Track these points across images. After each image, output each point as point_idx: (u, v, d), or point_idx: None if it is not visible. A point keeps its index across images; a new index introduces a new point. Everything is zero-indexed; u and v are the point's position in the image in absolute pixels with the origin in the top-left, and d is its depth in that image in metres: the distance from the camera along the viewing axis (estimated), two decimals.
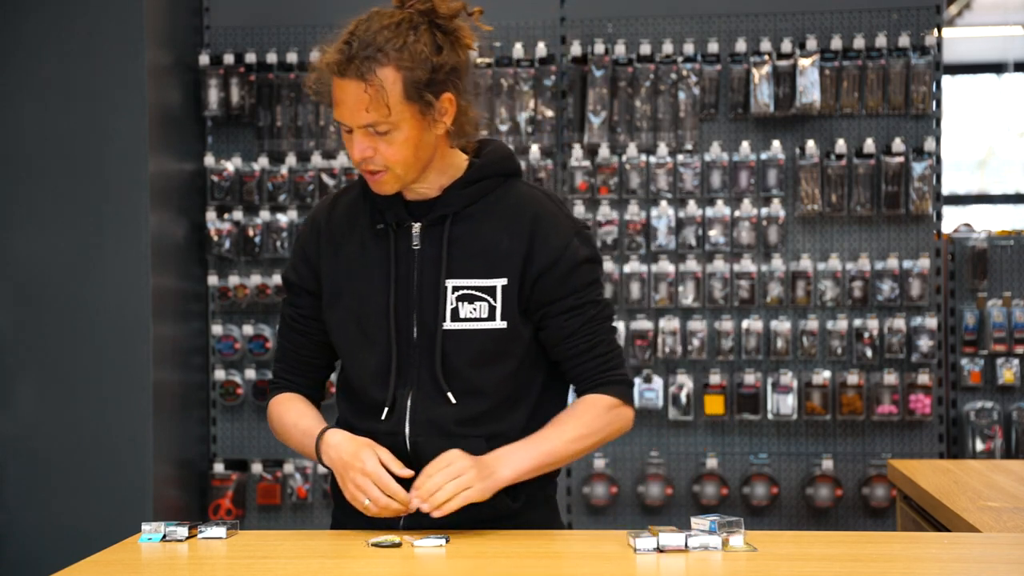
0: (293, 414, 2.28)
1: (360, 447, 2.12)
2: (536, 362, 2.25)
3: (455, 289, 2.16)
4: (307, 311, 2.28)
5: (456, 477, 2.07)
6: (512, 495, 2.20)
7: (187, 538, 2.09)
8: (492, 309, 2.17)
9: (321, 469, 4.82)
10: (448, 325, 2.16)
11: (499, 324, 2.16)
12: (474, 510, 2.14)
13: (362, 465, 2.09)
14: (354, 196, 2.26)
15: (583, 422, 2.20)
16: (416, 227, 2.19)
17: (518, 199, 2.22)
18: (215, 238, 4.84)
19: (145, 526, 2.10)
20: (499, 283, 2.17)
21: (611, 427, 2.23)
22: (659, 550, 1.96)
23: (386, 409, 2.18)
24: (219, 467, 4.85)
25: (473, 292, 2.17)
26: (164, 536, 2.09)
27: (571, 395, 2.32)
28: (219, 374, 4.86)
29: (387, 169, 2.13)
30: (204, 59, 4.86)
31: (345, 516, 2.25)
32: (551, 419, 2.25)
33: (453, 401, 2.16)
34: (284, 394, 2.33)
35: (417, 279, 2.18)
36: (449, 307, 2.16)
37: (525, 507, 2.23)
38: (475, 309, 2.16)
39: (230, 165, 4.86)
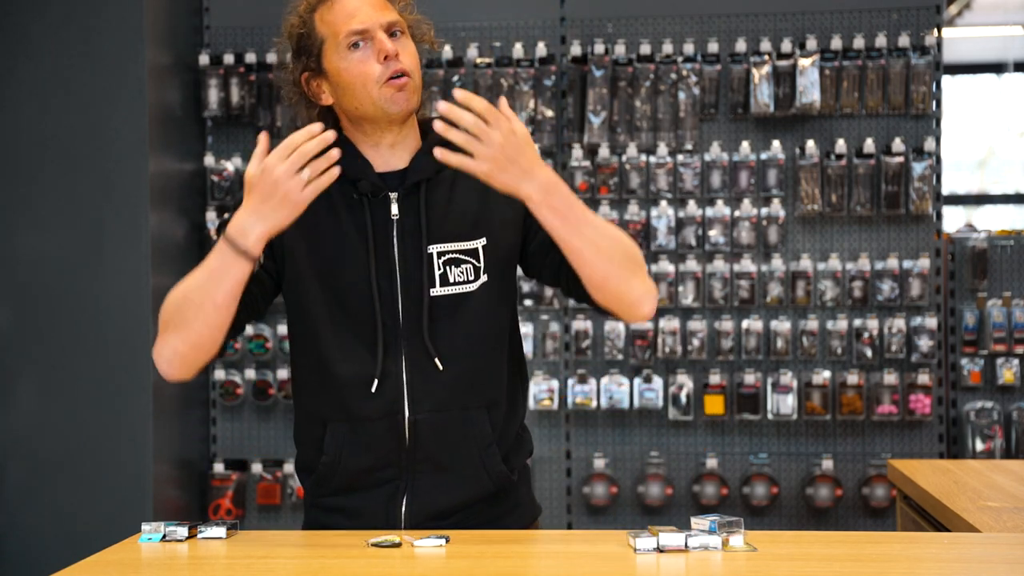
0: (189, 276, 2.12)
1: (248, 180, 2.02)
2: (509, 340, 2.24)
3: (440, 255, 2.15)
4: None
5: (504, 135, 1.97)
6: (510, 468, 2.21)
7: (187, 538, 2.09)
8: (476, 270, 2.17)
9: None
10: (436, 291, 2.15)
11: (484, 279, 2.17)
12: (477, 488, 2.17)
13: (265, 167, 2.00)
14: None
15: (613, 226, 2.11)
16: (394, 196, 2.18)
17: None
18: (215, 238, 4.83)
19: (145, 526, 2.10)
20: (479, 244, 2.18)
21: (636, 256, 2.10)
22: (659, 550, 1.96)
23: (376, 382, 2.13)
24: (219, 467, 4.85)
25: (458, 255, 2.17)
26: (164, 536, 2.09)
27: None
28: (219, 374, 4.86)
29: (410, 74, 2.14)
30: (204, 59, 4.86)
31: (322, 513, 2.24)
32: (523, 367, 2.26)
33: (441, 368, 2.14)
34: None
35: (398, 247, 2.16)
36: (437, 273, 2.15)
37: (516, 481, 2.24)
38: (462, 273, 2.16)
39: (230, 165, 4.86)
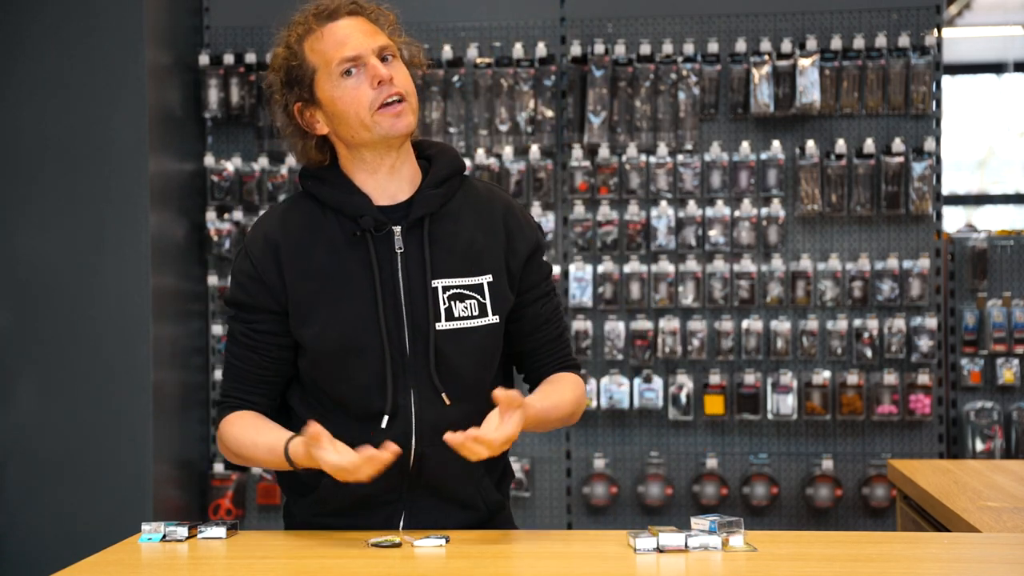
0: (250, 431, 2.18)
1: (312, 452, 2.04)
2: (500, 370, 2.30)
3: (445, 289, 2.16)
4: (263, 326, 2.18)
5: (499, 443, 2.04)
6: (501, 490, 2.26)
7: (187, 538, 2.09)
8: (482, 306, 2.18)
9: None
10: (441, 325, 2.15)
11: (492, 319, 2.19)
12: (473, 515, 2.21)
13: (344, 469, 2.01)
14: (307, 209, 2.20)
15: (575, 396, 2.27)
16: (398, 230, 2.17)
17: (483, 195, 2.26)
18: (215, 238, 4.84)
19: (145, 526, 2.10)
20: (484, 280, 2.19)
21: (580, 408, 2.30)
22: (659, 550, 1.96)
23: (387, 418, 2.14)
24: (219, 467, 4.85)
25: (462, 291, 2.18)
26: (164, 536, 2.09)
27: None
28: (219, 374, 4.86)
29: (405, 97, 2.14)
30: (204, 59, 4.86)
31: (297, 507, 2.27)
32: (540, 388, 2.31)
33: (447, 402, 2.15)
34: (235, 413, 2.21)
35: (404, 282, 2.16)
36: (443, 307, 2.16)
37: (506, 507, 2.31)
38: (467, 308, 2.17)
39: (230, 165, 4.86)
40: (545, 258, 2.30)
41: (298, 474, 2.22)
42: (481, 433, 2.01)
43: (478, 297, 2.18)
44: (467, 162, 4.69)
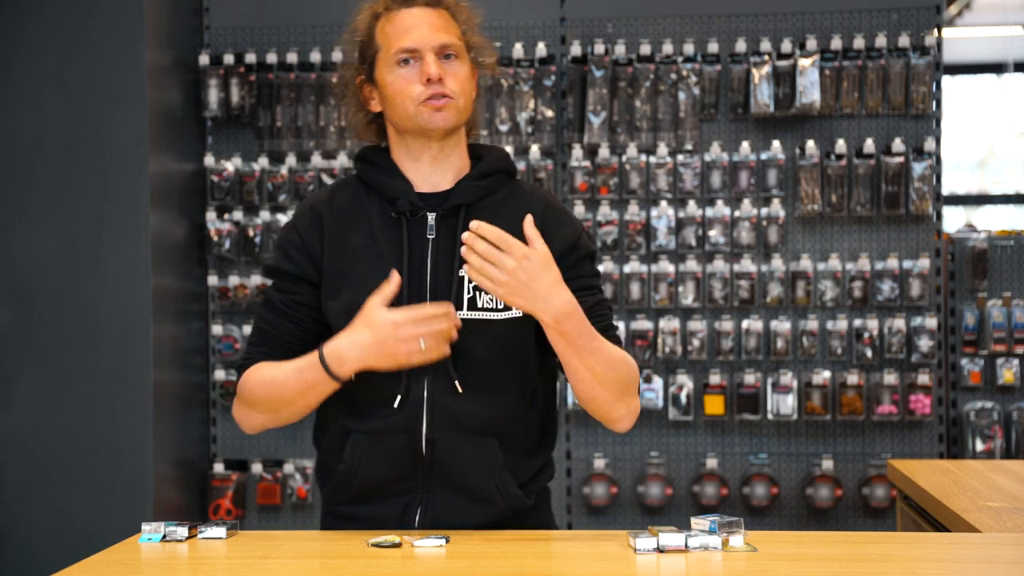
0: (273, 366, 2.18)
1: (369, 315, 2.07)
2: (538, 371, 2.26)
3: (471, 279, 2.16)
4: (301, 298, 2.22)
5: (517, 261, 2.01)
6: (526, 494, 2.21)
7: (187, 538, 2.09)
8: None
9: None
10: (465, 314, 2.16)
11: (515, 312, 2.17)
12: (491, 509, 2.17)
13: (392, 323, 2.04)
14: (354, 189, 2.27)
15: (622, 354, 2.17)
16: (431, 216, 2.20)
17: (526, 194, 2.27)
18: (215, 238, 4.84)
19: (145, 526, 2.10)
20: None
21: (629, 393, 2.19)
22: (659, 550, 1.96)
23: (399, 398, 2.15)
24: (219, 467, 4.85)
25: None
26: (164, 536, 2.09)
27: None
28: (219, 374, 4.86)
29: (452, 97, 2.17)
30: (204, 59, 4.86)
31: (339, 520, 2.25)
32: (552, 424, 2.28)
33: (460, 390, 2.15)
34: (260, 363, 2.22)
35: (431, 268, 2.18)
36: (466, 296, 2.16)
37: (534, 505, 2.24)
38: (492, 299, 2.17)
39: (230, 165, 4.86)
40: (589, 260, 2.26)
41: (318, 460, 2.28)
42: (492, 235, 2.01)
43: None
44: None
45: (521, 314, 2.16)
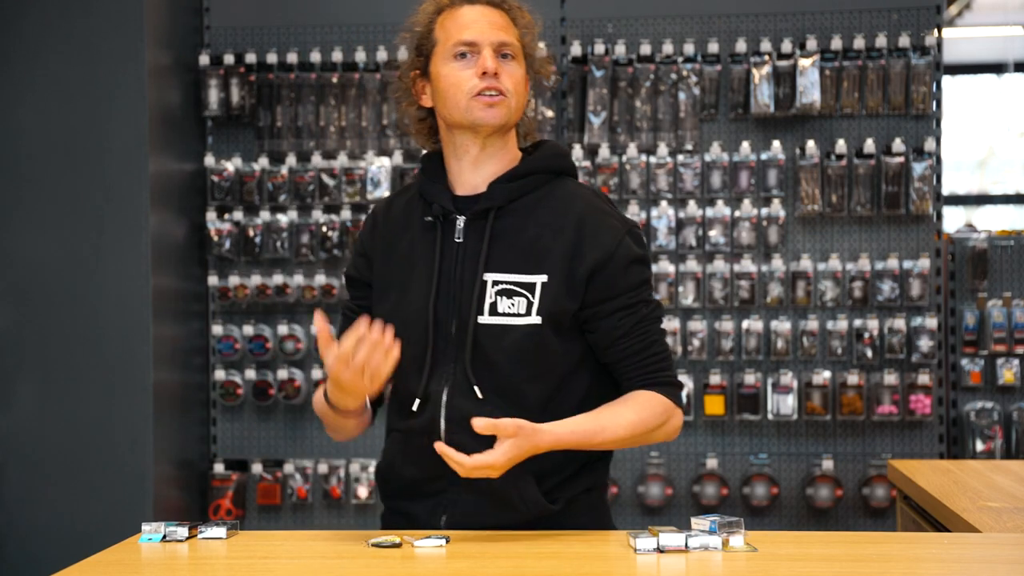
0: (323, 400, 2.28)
1: (327, 369, 2.09)
2: (576, 376, 2.22)
3: (494, 283, 2.17)
4: (366, 303, 2.30)
5: (505, 455, 2.05)
6: (550, 498, 2.20)
7: (187, 538, 2.09)
8: (529, 305, 2.16)
9: (322, 469, 4.83)
10: (484, 319, 2.16)
11: (534, 319, 2.15)
12: (514, 514, 2.18)
13: (331, 370, 2.07)
14: (411, 195, 2.31)
15: (639, 416, 2.18)
16: (460, 220, 2.21)
17: (564, 197, 2.23)
18: (215, 238, 4.84)
19: (145, 526, 2.10)
20: (539, 279, 2.17)
21: (661, 429, 2.22)
22: (659, 550, 1.96)
23: (417, 401, 2.19)
24: (219, 467, 4.85)
25: (512, 287, 2.17)
26: (164, 536, 2.09)
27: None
28: (219, 374, 4.86)
29: (505, 96, 2.18)
30: (204, 59, 4.86)
31: (390, 515, 2.31)
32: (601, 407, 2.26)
33: (480, 396, 2.16)
34: None
35: (459, 272, 2.19)
36: (488, 301, 2.16)
37: (566, 510, 2.22)
38: (513, 304, 2.16)
39: (230, 165, 4.86)
40: (636, 266, 2.21)
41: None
42: (469, 459, 2.05)
43: (528, 295, 2.16)
44: None
45: (541, 320, 2.15)
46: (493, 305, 2.16)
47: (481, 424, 2.03)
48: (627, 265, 2.19)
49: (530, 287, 2.17)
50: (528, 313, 2.16)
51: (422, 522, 2.22)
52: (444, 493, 2.21)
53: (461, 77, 2.18)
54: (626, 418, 2.17)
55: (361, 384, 2.05)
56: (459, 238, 2.21)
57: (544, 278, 2.16)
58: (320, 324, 2.05)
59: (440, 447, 2.06)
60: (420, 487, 2.23)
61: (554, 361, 2.19)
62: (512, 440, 2.05)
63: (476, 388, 2.16)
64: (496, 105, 2.18)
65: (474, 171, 2.24)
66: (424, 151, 2.35)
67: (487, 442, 2.12)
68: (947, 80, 10.67)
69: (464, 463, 2.04)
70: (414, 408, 2.20)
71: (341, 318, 2.35)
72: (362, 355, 2.02)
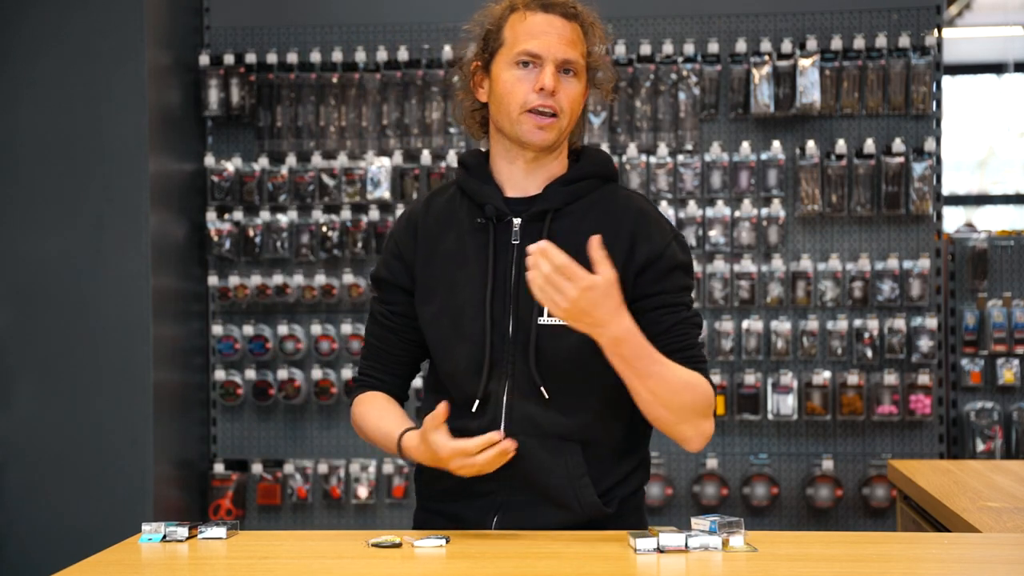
0: (375, 414, 2.27)
1: (430, 443, 2.09)
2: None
3: None
4: (398, 308, 2.28)
5: (579, 291, 1.98)
6: (604, 499, 2.20)
7: (187, 538, 2.09)
8: None
9: (322, 469, 4.83)
10: (544, 320, 2.15)
11: None
12: (568, 515, 2.17)
13: (441, 455, 2.07)
14: (451, 194, 2.28)
15: (691, 384, 2.14)
16: (517, 222, 2.20)
17: (619, 200, 2.24)
18: (215, 238, 4.84)
19: (145, 526, 2.10)
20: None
21: (698, 417, 2.16)
22: (659, 550, 1.96)
23: (477, 402, 2.17)
24: (219, 467, 4.85)
25: None
26: (164, 536, 2.09)
27: None
28: (219, 374, 4.86)
29: (559, 115, 2.16)
30: (204, 59, 4.86)
31: (428, 515, 2.29)
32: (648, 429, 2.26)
33: (547, 396, 2.15)
34: (368, 392, 2.32)
35: (515, 274, 2.18)
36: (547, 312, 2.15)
37: (617, 513, 2.22)
38: None
39: (230, 165, 4.86)
40: (681, 272, 2.20)
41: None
42: (557, 259, 1.97)
43: None
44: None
45: None
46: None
47: (598, 254, 1.98)
48: (673, 267, 2.20)
49: None
50: None
51: (471, 523, 2.21)
52: (495, 494, 2.20)
53: (518, 87, 2.16)
54: (681, 375, 2.13)
55: (461, 472, 2.08)
56: (515, 240, 2.19)
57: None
58: (441, 411, 2.07)
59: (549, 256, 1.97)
60: (470, 488, 2.20)
61: (605, 364, 2.15)
62: (606, 288, 1.99)
63: (543, 389, 2.15)
64: (546, 128, 2.16)
65: (526, 175, 2.22)
66: (463, 150, 2.35)
67: (551, 444, 2.13)
68: (947, 80, 10.67)
69: (555, 259, 1.97)
70: (473, 409, 2.17)
71: (371, 323, 2.33)
72: (483, 460, 2.06)
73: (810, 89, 4.68)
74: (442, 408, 2.07)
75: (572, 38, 2.20)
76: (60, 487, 4.47)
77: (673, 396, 2.11)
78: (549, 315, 2.15)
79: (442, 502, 2.26)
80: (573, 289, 1.98)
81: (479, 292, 2.18)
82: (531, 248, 2.00)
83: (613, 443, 2.22)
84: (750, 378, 4.71)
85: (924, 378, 4.67)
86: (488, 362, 2.17)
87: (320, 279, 4.81)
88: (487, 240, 2.20)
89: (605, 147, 4.75)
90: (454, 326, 2.18)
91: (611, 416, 2.20)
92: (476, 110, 2.29)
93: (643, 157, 4.76)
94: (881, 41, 4.71)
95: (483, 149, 2.32)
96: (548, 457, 2.16)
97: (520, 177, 2.23)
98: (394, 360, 2.31)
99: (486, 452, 2.05)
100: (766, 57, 4.72)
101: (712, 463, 4.74)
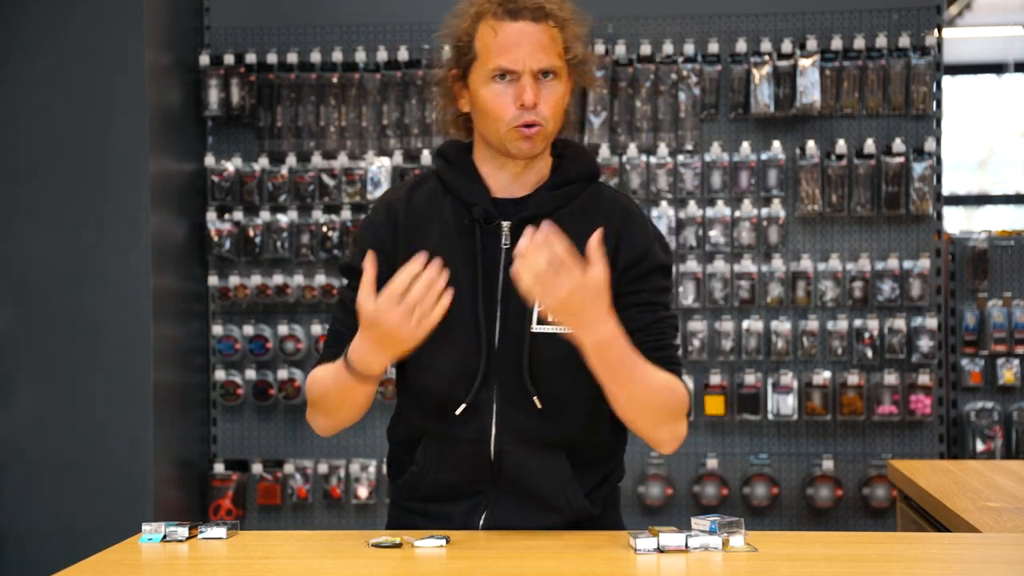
0: (322, 372, 2.16)
1: (362, 309, 1.99)
2: None
3: None
4: None
5: (571, 287, 1.93)
6: (592, 501, 2.20)
7: (187, 538, 2.09)
8: None
9: (322, 469, 4.82)
10: (536, 328, 2.13)
11: None
12: (557, 517, 2.17)
13: (377, 312, 1.97)
14: (431, 188, 2.22)
15: (667, 385, 2.10)
16: (506, 226, 2.17)
17: (604, 200, 2.22)
18: (215, 238, 4.84)
19: (145, 526, 2.10)
20: None
21: (672, 419, 2.11)
22: (659, 550, 1.96)
23: (463, 406, 2.13)
24: (219, 467, 4.85)
25: None
26: (164, 536, 2.09)
27: None
28: (219, 374, 4.86)
29: (543, 124, 2.12)
30: (204, 59, 4.86)
31: (406, 515, 2.25)
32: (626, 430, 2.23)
33: (539, 406, 2.13)
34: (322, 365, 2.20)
35: (503, 278, 2.14)
36: (538, 308, 2.12)
37: (602, 512, 2.24)
38: None
39: (230, 165, 4.86)
40: (659, 273, 2.18)
41: (391, 452, 2.28)
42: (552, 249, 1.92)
43: None
44: None
45: None
46: (543, 313, 2.10)
47: (597, 252, 1.94)
48: (654, 268, 2.18)
49: None
50: None
51: (457, 522, 2.18)
52: (483, 493, 2.19)
53: (499, 103, 2.11)
54: (660, 377, 2.09)
55: (406, 329, 1.96)
56: (506, 244, 2.16)
57: None
58: (369, 268, 1.98)
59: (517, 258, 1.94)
60: (455, 491, 2.20)
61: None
62: (597, 288, 1.95)
63: (536, 399, 2.13)
64: (533, 138, 2.12)
65: (515, 180, 2.20)
66: (445, 142, 2.28)
67: (542, 455, 2.13)
68: (947, 80, 10.66)
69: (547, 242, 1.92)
70: (457, 413, 2.14)
71: (338, 309, 2.23)
72: (417, 292, 1.94)
73: (810, 89, 4.68)
74: (369, 263, 1.99)
75: (545, 42, 2.12)
76: (60, 487, 4.47)
77: (651, 399, 2.08)
78: (541, 323, 2.12)
79: (423, 503, 2.23)
80: (566, 287, 1.94)
81: (468, 296, 2.14)
82: (535, 234, 1.93)
83: (598, 445, 2.22)
84: (750, 378, 4.71)
85: (924, 378, 4.66)
86: (482, 370, 2.13)
87: (320, 279, 4.81)
88: (474, 242, 2.16)
89: (605, 147, 4.75)
90: (442, 331, 2.08)
91: (597, 420, 2.19)
92: (459, 116, 2.24)
93: (643, 157, 4.76)
94: (881, 41, 4.71)
95: (463, 140, 2.26)
96: (538, 463, 2.15)
97: (508, 180, 2.20)
98: None
99: (415, 289, 1.95)
100: (766, 57, 4.72)
101: (712, 463, 4.74)
